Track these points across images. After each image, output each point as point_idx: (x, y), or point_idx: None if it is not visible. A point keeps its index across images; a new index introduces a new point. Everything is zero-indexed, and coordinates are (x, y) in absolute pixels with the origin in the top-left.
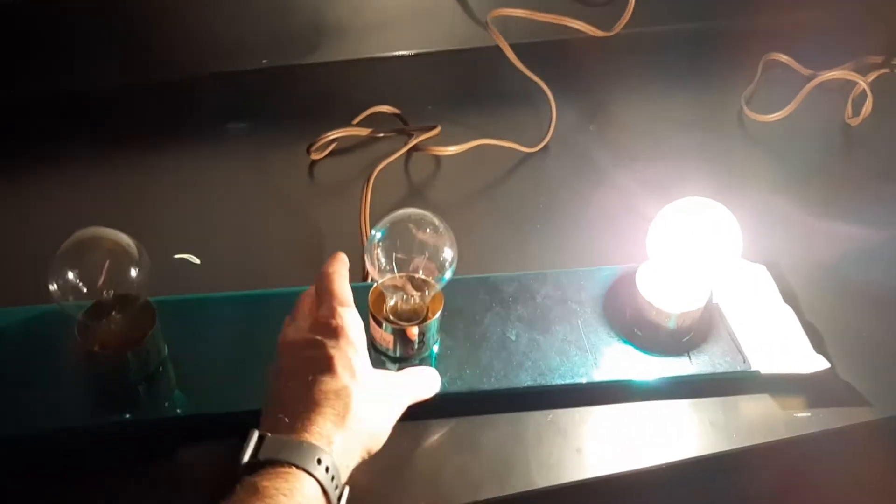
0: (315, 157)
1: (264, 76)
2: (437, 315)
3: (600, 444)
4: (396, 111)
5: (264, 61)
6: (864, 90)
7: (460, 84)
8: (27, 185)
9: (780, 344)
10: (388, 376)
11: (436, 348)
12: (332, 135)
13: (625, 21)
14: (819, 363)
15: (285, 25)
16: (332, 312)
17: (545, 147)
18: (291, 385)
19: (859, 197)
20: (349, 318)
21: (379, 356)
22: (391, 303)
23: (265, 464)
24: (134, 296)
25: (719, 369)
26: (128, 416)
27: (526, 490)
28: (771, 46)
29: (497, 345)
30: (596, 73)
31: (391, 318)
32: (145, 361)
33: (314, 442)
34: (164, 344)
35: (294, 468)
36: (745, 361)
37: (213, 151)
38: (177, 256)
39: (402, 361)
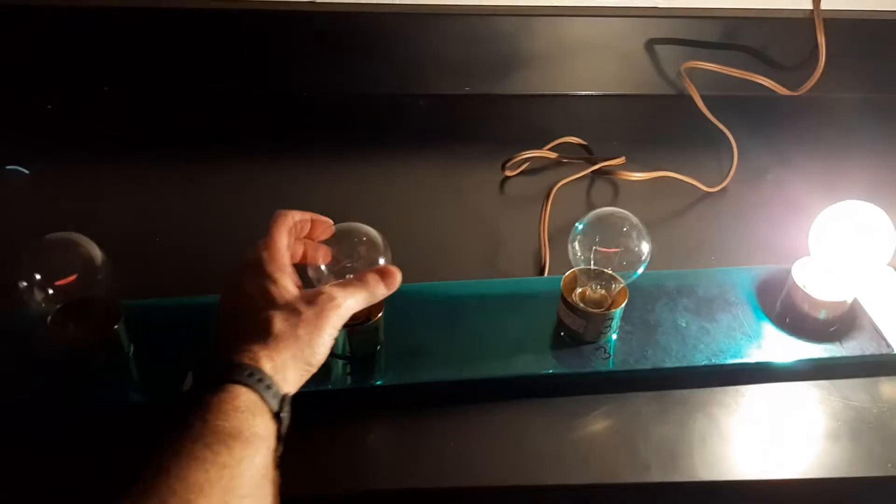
0: (508, 173)
1: (466, 101)
2: (623, 306)
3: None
4: (584, 142)
5: (467, 88)
6: None
7: (646, 126)
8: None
9: None
10: (313, 296)
11: (614, 336)
12: (526, 155)
13: (813, 82)
14: None
15: (488, 59)
16: (254, 249)
17: (724, 189)
18: (223, 323)
19: None
20: (266, 249)
21: (564, 336)
22: (579, 290)
23: (208, 388)
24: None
25: (867, 352)
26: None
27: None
28: None
29: (671, 330)
30: (779, 129)
31: (579, 303)
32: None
33: (245, 361)
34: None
35: (229, 384)
36: (888, 346)
37: (416, 161)
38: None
39: (587, 343)
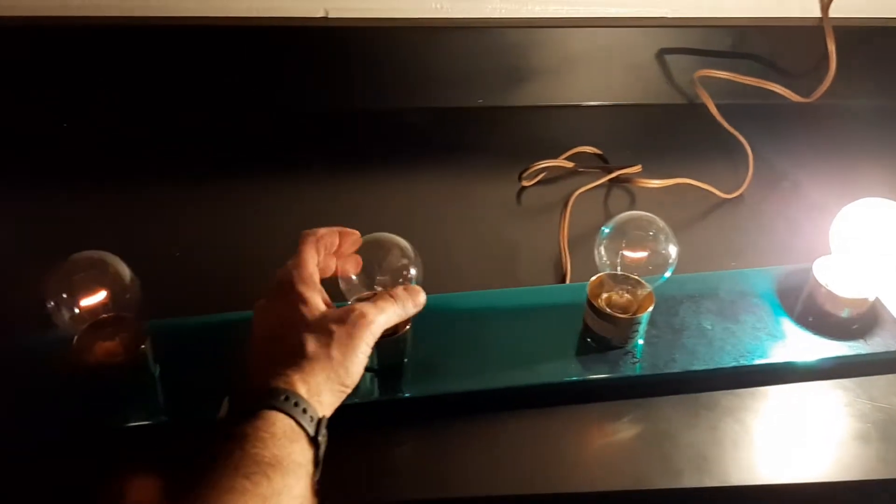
0: (525, 184)
1: (480, 114)
2: (649, 310)
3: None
4: (599, 152)
5: (480, 101)
6: None
7: (661, 135)
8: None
9: None
10: (344, 314)
11: (641, 341)
12: (542, 164)
13: (824, 89)
14: None
15: (500, 71)
16: (284, 270)
17: (741, 195)
18: (256, 348)
19: None
20: (295, 268)
21: (591, 342)
22: (605, 295)
23: (244, 415)
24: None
25: (892, 348)
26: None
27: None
28: None
29: (696, 333)
30: (794, 135)
31: (606, 308)
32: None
33: (280, 386)
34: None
35: (265, 410)
36: None
37: (433, 173)
38: None
39: (615, 348)
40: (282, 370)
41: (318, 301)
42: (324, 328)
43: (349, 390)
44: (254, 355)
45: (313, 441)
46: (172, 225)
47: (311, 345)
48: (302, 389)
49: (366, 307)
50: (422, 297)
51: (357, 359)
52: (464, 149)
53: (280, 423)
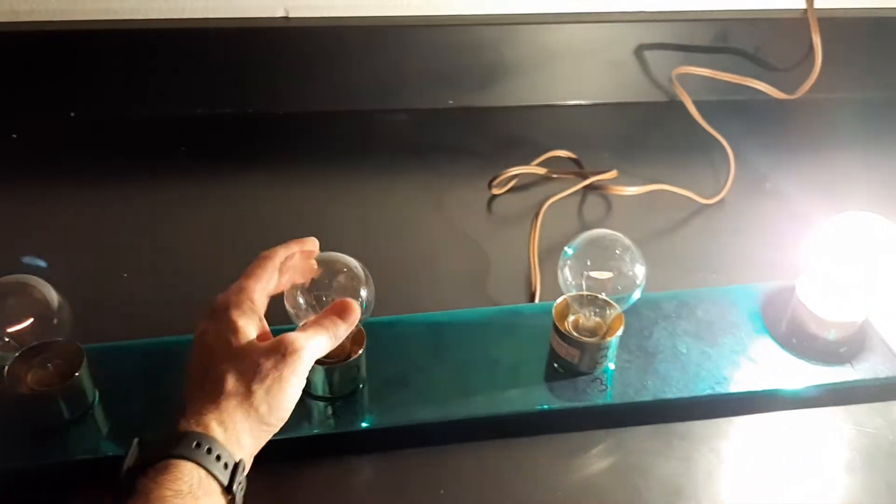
0: (496, 191)
1: (450, 115)
2: (618, 333)
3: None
4: (574, 156)
5: (450, 101)
6: None
7: (638, 136)
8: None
9: None
10: (274, 344)
11: (611, 365)
12: (514, 171)
13: (810, 84)
14: None
15: (470, 69)
16: (223, 294)
17: (721, 200)
18: (189, 381)
19: None
20: (235, 292)
21: (558, 367)
22: (572, 318)
23: (148, 465)
24: None
25: (881, 375)
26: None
27: None
28: None
29: (670, 357)
30: (777, 134)
31: (573, 332)
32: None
33: (192, 429)
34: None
35: (172, 460)
36: None
37: (397, 180)
38: None
39: (582, 374)
40: (198, 408)
41: (249, 329)
42: (249, 360)
43: (275, 430)
44: (185, 390)
45: (228, 490)
46: (116, 241)
47: (231, 379)
48: (217, 432)
49: (295, 336)
50: (354, 311)
51: (286, 395)
52: (432, 153)
53: (188, 476)
